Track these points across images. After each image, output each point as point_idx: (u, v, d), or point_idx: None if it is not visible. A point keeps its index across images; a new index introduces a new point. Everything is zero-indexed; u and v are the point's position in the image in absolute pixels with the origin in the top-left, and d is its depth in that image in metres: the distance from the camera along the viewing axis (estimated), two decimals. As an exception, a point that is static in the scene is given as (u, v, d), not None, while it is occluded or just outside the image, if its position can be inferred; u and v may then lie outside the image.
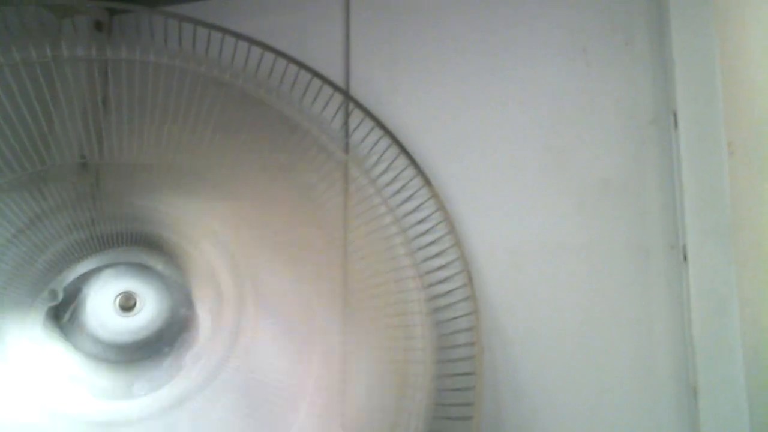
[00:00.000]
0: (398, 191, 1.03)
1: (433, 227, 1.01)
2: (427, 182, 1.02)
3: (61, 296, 0.77)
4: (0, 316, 0.73)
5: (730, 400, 0.86)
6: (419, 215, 1.02)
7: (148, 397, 0.76)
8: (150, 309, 0.77)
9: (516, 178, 1.03)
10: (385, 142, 1.04)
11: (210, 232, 0.88)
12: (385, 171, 1.03)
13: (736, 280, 0.87)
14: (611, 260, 0.99)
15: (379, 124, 1.04)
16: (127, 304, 0.75)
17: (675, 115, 0.95)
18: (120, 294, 0.76)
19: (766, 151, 0.78)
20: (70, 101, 0.94)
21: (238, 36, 1.01)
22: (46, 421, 0.70)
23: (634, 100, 1.02)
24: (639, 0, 1.04)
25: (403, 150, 1.03)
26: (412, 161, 1.03)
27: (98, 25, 1.12)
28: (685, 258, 0.93)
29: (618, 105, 1.02)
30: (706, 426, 0.87)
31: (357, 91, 1.07)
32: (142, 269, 0.79)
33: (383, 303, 0.96)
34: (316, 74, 1.04)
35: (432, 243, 1.01)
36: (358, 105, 1.05)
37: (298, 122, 1.03)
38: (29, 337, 0.73)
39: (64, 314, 0.75)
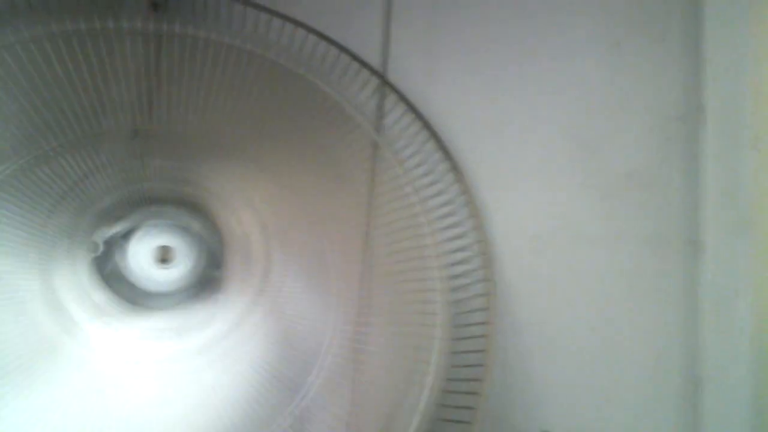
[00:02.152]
0: (426, 174, 1.07)
1: (456, 210, 1.05)
2: (454, 167, 1.06)
3: (101, 248, 0.84)
4: (51, 264, 0.81)
5: (733, 393, 0.88)
6: (444, 198, 1.06)
7: (177, 343, 0.83)
8: (185, 264, 0.84)
9: (542, 166, 1.06)
10: (417, 125, 1.08)
11: (247, 200, 0.94)
12: (414, 154, 1.07)
13: (751, 277, 0.88)
14: (630, 252, 1.01)
15: (412, 108, 1.09)
16: (165, 257, 0.83)
17: (703, 112, 0.97)
18: (159, 247, 0.83)
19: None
20: (126, 71, 1.01)
21: (285, 18, 1.07)
22: (87, 358, 0.78)
23: (664, 95, 1.03)
24: (675, -3, 1.05)
25: (434, 134, 1.07)
26: (441, 146, 1.07)
27: (155, 6, 1.19)
28: (702, 253, 0.94)
29: (647, 100, 1.04)
30: (708, 417, 0.89)
31: (393, 75, 1.11)
32: (180, 228, 0.86)
33: (403, 278, 1.00)
34: (355, 57, 1.09)
35: (454, 225, 1.05)
36: (394, 89, 1.10)
37: (336, 101, 1.08)
38: (76, 285, 0.81)
39: (107, 265, 0.83)
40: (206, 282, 0.87)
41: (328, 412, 0.85)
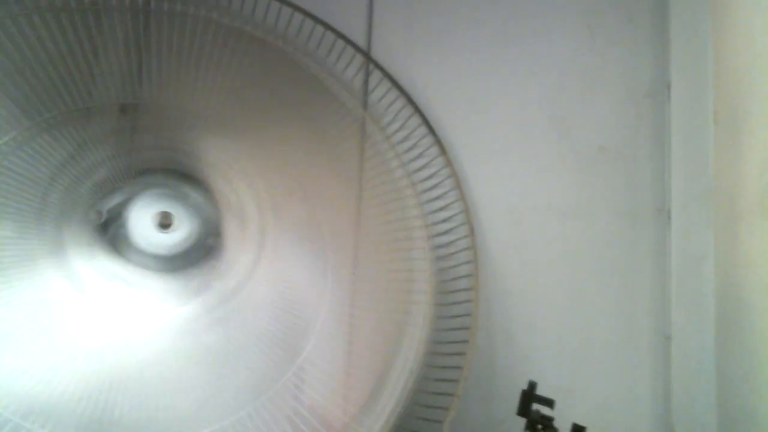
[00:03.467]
0: (410, 148, 1.11)
1: (440, 182, 1.10)
2: (437, 141, 1.11)
3: (105, 216, 0.87)
4: (58, 229, 0.84)
5: (699, 348, 0.95)
6: (428, 171, 1.11)
7: (178, 309, 0.86)
8: (184, 229, 0.87)
9: (520, 141, 1.12)
10: (401, 101, 1.12)
11: (242, 171, 0.97)
12: (399, 129, 1.12)
13: (713, 240, 0.96)
14: (602, 221, 1.08)
15: (396, 84, 1.13)
16: (165, 222, 0.86)
17: (669, 88, 1.03)
18: (159, 213, 0.86)
19: (747, 120, 0.86)
20: (115, 46, 1.02)
21: (272, -5, 1.09)
22: (94, 315, 0.81)
23: (633, 74, 1.10)
24: (643, -20, 1.11)
25: (417, 110, 1.12)
26: (425, 121, 1.11)
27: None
28: (669, 219, 1.01)
29: (618, 79, 1.10)
30: (676, 370, 0.96)
31: (377, 53, 1.15)
32: (178, 196, 0.89)
33: (391, 247, 1.04)
34: (340, 35, 1.12)
35: (438, 197, 1.10)
36: (378, 66, 1.13)
37: (322, 79, 1.11)
38: (83, 247, 0.84)
39: (109, 229, 0.86)
40: (205, 249, 0.89)
41: (324, 372, 0.89)
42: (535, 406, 0.79)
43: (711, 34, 1.01)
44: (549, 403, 0.78)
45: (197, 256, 0.89)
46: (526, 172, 1.11)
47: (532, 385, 0.79)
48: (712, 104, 0.99)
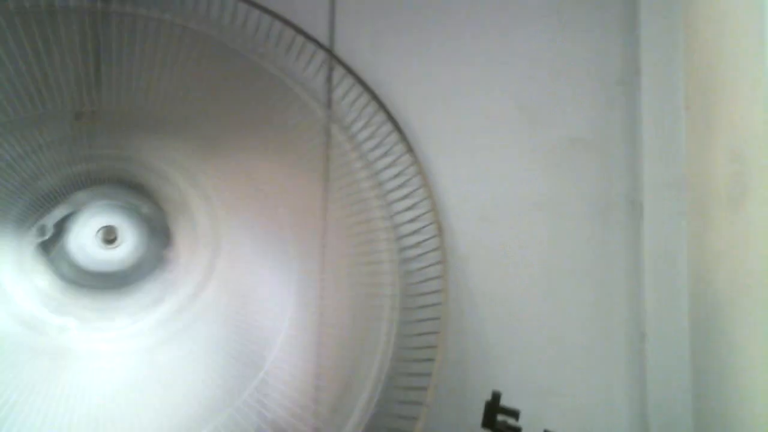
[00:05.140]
0: (376, 147, 1.08)
1: (407, 181, 1.06)
2: (403, 138, 1.07)
3: (50, 232, 0.83)
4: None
5: (674, 345, 0.92)
6: (394, 170, 1.07)
7: (129, 327, 0.83)
8: (130, 244, 0.83)
9: (489, 134, 1.08)
10: (365, 98, 1.08)
11: (191, 179, 0.93)
12: (363, 127, 1.08)
13: (686, 232, 0.92)
14: (575, 214, 1.05)
15: (360, 81, 1.09)
16: (108, 237, 0.82)
17: (638, 75, 1.00)
18: (102, 228, 0.82)
19: (717, 106, 0.83)
20: (71, 51, 0.98)
21: (227, -8, 1.05)
22: (33, 342, 0.77)
23: (604, 62, 1.06)
24: (612, -34, 1.07)
25: (382, 106, 1.08)
26: (390, 117, 1.08)
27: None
28: (641, 211, 0.98)
29: (588, 66, 1.07)
30: (651, 368, 0.93)
31: (340, 49, 1.11)
32: (125, 208, 0.85)
33: (357, 251, 1.01)
34: (299, 31, 1.08)
35: (405, 197, 1.06)
36: (340, 62, 1.09)
37: (281, 78, 1.07)
38: (19, 269, 0.80)
39: (52, 248, 0.81)
40: (156, 261, 0.86)
41: (288, 383, 0.86)
42: (501, 417, 0.76)
43: (682, 19, 0.98)
44: (514, 414, 0.75)
45: (148, 269, 0.85)
46: (496, 167, 1.08)
47: (496, 396, 0.76)
48: (683, 90, 0.96)
